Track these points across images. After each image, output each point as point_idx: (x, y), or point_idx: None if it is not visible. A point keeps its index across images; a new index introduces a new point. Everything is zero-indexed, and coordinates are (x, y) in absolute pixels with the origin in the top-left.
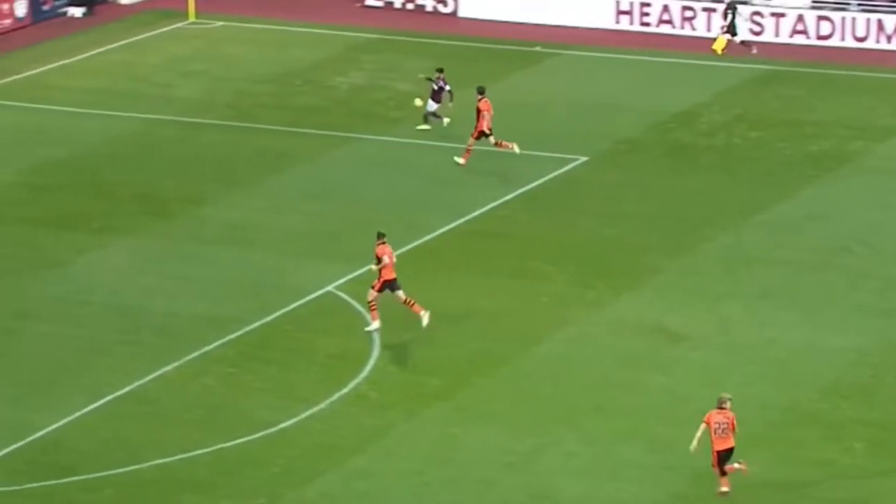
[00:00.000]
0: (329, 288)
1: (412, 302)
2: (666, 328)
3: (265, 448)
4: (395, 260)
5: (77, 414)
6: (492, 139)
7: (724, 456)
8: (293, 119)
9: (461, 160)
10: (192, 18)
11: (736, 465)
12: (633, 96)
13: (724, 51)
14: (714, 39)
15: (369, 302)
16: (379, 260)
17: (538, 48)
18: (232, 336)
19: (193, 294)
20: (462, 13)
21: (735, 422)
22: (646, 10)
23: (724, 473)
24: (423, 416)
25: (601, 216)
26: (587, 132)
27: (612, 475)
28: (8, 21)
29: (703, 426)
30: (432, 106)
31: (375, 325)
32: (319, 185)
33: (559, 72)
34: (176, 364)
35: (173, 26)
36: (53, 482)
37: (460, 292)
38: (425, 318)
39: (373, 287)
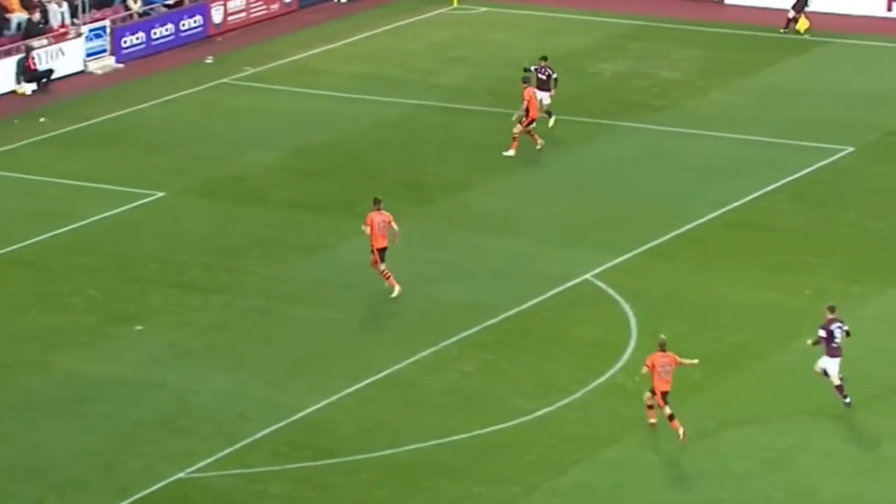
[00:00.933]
0: (587, 276)
1: (388, 274)
2: None
3: (520, 436)
4: (397, 228)
5: (335, 397)
6: (519, 127)
7: (666, 397)
8: (555, 106)
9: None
10: (455, 4)
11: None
12: None
13: (807, 30)
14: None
15: (381, 272)
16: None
17: (805, 36)
18: (489, 322)
19: (453, 280)
20: (729, 0)
21: (678, 359)
22: None
23: (672, 418)
24: (682, 407)
25: (868, 209)
26: (855, 122)
27: (875, 475)
28: (276, 6)
29: (645, 369)
30: (544, 98)
31: (397, 290)
32: (580, 173)
33: (828, 60)
34: (434, 349)
35: (436, 12)
36: (312, 464)
37: (720, 283)
38: (396, 290)
39: (372, 259)
